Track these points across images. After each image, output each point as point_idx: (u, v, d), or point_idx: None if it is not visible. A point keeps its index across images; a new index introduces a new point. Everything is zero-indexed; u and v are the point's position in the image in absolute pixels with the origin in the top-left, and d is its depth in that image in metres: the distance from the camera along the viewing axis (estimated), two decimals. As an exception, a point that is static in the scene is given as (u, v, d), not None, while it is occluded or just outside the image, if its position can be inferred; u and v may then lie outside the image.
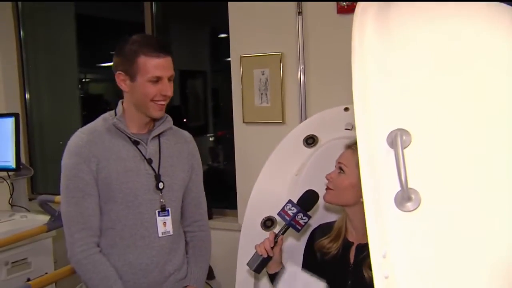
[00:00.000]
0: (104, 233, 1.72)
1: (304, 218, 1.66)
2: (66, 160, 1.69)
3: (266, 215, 1.94)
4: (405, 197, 0.91)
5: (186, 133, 1.90)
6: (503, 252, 0.87)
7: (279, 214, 1.69)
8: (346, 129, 2.02)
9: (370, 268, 1.53)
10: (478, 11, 1.12)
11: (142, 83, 1.66)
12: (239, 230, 2.98)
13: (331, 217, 1.85)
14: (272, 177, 2.02)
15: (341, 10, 2.64)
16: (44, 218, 3.09)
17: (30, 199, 3.59)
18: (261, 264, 1.67)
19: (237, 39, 2.98)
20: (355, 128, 2.10)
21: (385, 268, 0.89)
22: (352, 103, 2.26)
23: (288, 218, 1.66)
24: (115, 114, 1.75)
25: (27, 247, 2.96)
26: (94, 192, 1.68)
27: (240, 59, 2.93)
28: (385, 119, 1.00)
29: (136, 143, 1.74)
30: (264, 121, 2.93)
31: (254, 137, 2.97)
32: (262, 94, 2.91)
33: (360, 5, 1.15)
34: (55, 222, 2.70)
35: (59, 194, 2.76)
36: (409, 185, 0.90)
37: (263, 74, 2.89)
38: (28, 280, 2.82)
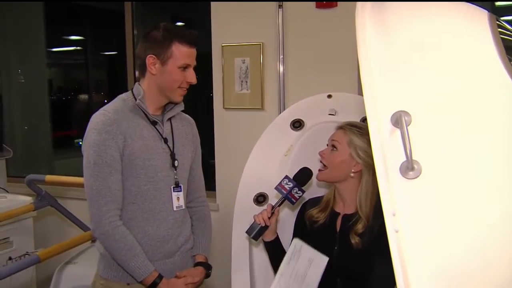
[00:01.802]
0: (125, 207, 1.82)
1: (299, 192, 1.84)
2: (95, 136, 1.76)
3: (258, 191, 2.11)
4: (409, 167, 1.10)
5: (189, 117, 2.05)
6: (497, 213, 1.07)
7: (276, 188, 1.85)
8: (329, 114, 2.20)
9: (356, 235, 1.74)
10: (454, 8, 1.36)
11: (173, 69, 1.79)
12: (217, 210, 3.16)
13: (320, 192, 2.04)
14: (262, 158, 2.18)
15: (319, 6, 2.83)
16: (24, 199, 3.15)
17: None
18: (259, 232, 1.85)
19: (219, 28, 3.12)
20: (338, 113, 2.30)
21: (395, 223, 1.07)
22: (326, 91, 2.45)
23: (285, 192, 1.84)
24: (133, 95, 1.87)
25: (8, 226, 3.02)
26: (120, 168, 1.78)
27: (221, 48, 3.08)
28: (388, 103, 1.18)
29: (154, 123, 1.87)
30: (244, 107, 3.09)
31: (233, 122, 3.13)
32: (242, 81, 3.07)
33: (358, 5, 1.34)
34: (42, 201, 2.77)
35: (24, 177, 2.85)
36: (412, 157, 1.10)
37: (243, 63, 3.06)
38: (10, 259, 2.87)
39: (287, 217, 2.08)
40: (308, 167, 1.91)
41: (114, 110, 1.82)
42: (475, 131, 1.14)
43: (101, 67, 5.53)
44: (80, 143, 5.09)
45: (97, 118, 1.80)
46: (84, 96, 5.41)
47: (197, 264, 1.98)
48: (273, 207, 1.85)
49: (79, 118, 5.28)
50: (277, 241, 1.92)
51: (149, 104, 1.86)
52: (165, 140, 1.89)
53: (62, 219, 3.46)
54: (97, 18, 5.00)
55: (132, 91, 1.89)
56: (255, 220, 1.85)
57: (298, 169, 1.89)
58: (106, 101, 5.30)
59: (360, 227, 1.76)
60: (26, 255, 2.77)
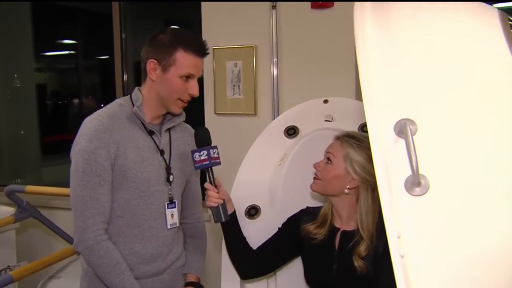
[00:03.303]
0: (112, 221, 1.70)
1: (214, 151, 1.70)
2: (85, 143, 1.64)
3: (250, 203, 1.98)
4: (415, 182, 0.98)
5: (189, 127, 1.91)
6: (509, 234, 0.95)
7: (197, 167, 1.70)
8: (326, 120, 2.08)
9: (360, 257, 1.62)
10: (463, 6, 1.23)
11: (174, 77, 1.66)
12: (209, 221, 3.03)
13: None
14: (254, 167, 2.05)
15: (315, 6, 2.71)
16: (6, 210, 3.02)
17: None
18: (224, 212, 1.73)
19: (210, 30, 3.00)
20: (334, 119, 2.18)
21: (400, 247, 0.95)
22: (322, 95, 2.34)
23: (206, 163, 1.69)
24: (131, 101, 1.74)
25: (-12, 239, 2.89)
26: (109, 179, 1.66)
27: (212, 51, 2.95)
28: (391, 110, 1.06)
29: (151, 133, 1.74)
30: (236, 112, 2.97)
31: (225, 128, 3.00)
32: (234, 86, 2.95)
33: (357, 5, 1.22)
34: (23, 213, 2.64)
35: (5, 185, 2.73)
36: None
37: (235, 66, 2.93)
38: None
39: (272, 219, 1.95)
40: (301, 179, 1.78)
41: (108, 115, 1.69)
42: (489, 141, 1.02)
43: (94, 71, 5.45)
44: (75, 147, 5.00)
45: (90, 123, 1.67)
46: (76, 101, 5.32)
47: (188, 284, 1.85)
48: (211, 183, 1.72)
49: (72, 123, 5.20)
50: (234, 212, 1.82)
51: (147, 112, 1.73)
52: (162, 152, 1.76)
53: (46, 231, 3.32)
54: (89, 21, 4.91)
55: (131, 96, 1.76)
56: (212, 207, 1.72)
57: (195, 135, 1.75)
58: (102, 105, 5.23)
59: (362, 249, 1.63)
60: (8, 269, 2.64)
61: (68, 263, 2.82)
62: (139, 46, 3.69)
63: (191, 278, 1.87)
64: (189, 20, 4.10)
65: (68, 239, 2.96)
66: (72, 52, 5.47)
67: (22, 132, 4.49)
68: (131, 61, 3.65)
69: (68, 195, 2.79)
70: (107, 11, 3.85)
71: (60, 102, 5.28)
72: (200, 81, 3.05)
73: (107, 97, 5.10)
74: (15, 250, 3.09)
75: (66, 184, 2.92)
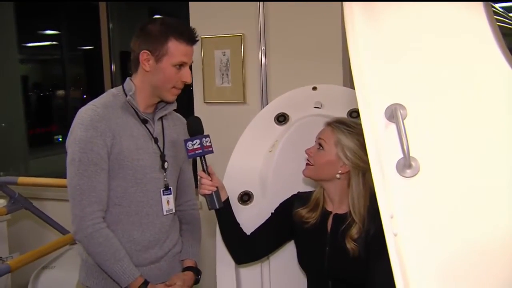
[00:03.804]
0: (110, 209, 1.72)
1: (207, 139, 1.74)
2: (81, 132, 1.65)
3: (242, 190, 2.01)
4: (407, 164, 1.02)
5: (181, 117, 1.94)
6: (500, 211, 1.00)
7: (190, 155, 1.74)
8: (315, 107, 2.11)
9: (352, 239, 1.66)
10: None
11: (167, 66, 1.68)
12: (201, 208, 3.06)
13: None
14: (246, 154, 2.08)
15: (301, -6, 2.74)
16: (-4, 201, 3.02)
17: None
18: (217, 199, 1.77)
19: (198, 19, 3.00)
20: (323, 106, 2.22)
21: (393, 226, 0.99)
22: (310, 83, 2.38)
23: (200, 151, 1.73)
24: (123, 91, 1.76)
25: (-20, 231, 2.89)
26: (106, 167, 1.68)
27: (200, 40, 2.95)
28: (381, 95, 1.10)
29: (144, 121, 1.76)
30: (225, 101, 2.99)
31: (215, 117, 3.02)
32: (223, 74, 2.97)
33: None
34: (15, 204, 2.65)
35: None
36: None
37: (224, 55, 2.95)
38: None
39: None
40: (292, 164, 1.82)
41: (103, 105, 1.71)
42: (475, 124, 1.07)
43: (78, 62, 5.40)
44: (60, 139, 4.93)
45: (85, 113, 1.69)
46: (61, 92, 5.27)
47: (186, 269, 1.88)
48: (204, 171, 1.76)
49: (57, 114, 5.16)
50: (227, 199, 1.85)
51: (140, 101, 1.75)
52: (155, 140, 1.79)
53: (38, 222, 3.33)
54: (72, 11, 4.86)
55: (123, 86, 1.78)
56: (205, 194, 1.76)
57: (188, 125, 1.79)
58: (85, 96, 5.20)
59: (355, 231, 1.68)
60: (0, 261, 2.65)
61: (61, 254, 2.84)
62: (124, 36, 3.70)
63: (189, 263, 1.90)
64: (174, 10, 4.10)
65: (60, 230, 2.98)
66: (54, 42, 5.42)
67: (3, 124, 4.46)
68: (117, 51, 3.65)
69: (60, 186, 2.83)
70: (90, 1, 3.82)
71: (42, 94, 5.23)
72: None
73: (92, 88, 5.09)
74: (7, 242, 3.09)
75: (53, 176, 2.95)
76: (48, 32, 5.28)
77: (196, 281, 1.89)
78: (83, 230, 1.66)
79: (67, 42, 5.14)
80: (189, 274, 1.86)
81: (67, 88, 5.19)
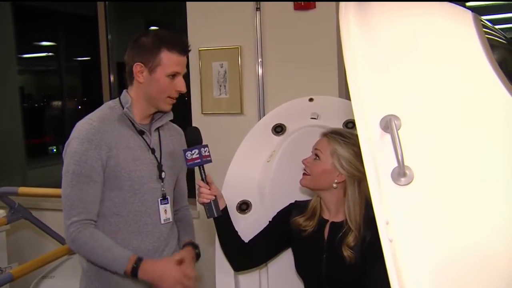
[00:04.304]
0: (109, 220, 1.76)
1: (205, 149, 1.79)
2: (76, 145, 1.70)
3: (241, 199, 2.05)
4: (401, 173, 1.06)
5: (177, 127, 1.99)
6: (493, 217, 1.04)
7: (189, 165, 1.79)
8: (312, 118, 2.16)
9: (349, 247, 1.70)
10: (438, 8, 1.33)
11: (161, 77, 1.73)
12: (198, 218, 3.09)
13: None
14: (244, 164, 2.13)
15: (297, 7, 2.79)
16: (-5, 212, 3.04)
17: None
18: (216, 207, 1.81)
19: (195, 32, 3.05)
20: (320, 117, 2.27)
21: (389, 232, 1.03)
22: (307, 94, 2.43)
23: (198, 161, 1.78)
24: (120, 103, 1.80)
25: (-21, 241, 2.90)
26: (99, 179, 1.72)
27: (198, 52, 3.01)
28: (376, 107, 1.15)
29: (141, 133, 1.81)
30: (223, 112, 3.04)
31: (212, 127, 3.05)
32: (220, 86, 3.02)
33: (342, 4, 1.31)
34: (15, 214, 2.67)
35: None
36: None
37: (221, 67, 3.00)
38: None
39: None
40: (289, 174, 1.87)
41: (99, 118, 1.75)
42: (467, 133, 1.12)
43: (74, 73, 5.43)
44: (54, 150, 4.93)
45: (82, 127, 1.74)
46: (57, 103, 5.28)
47: (186, 244, 1.92)
48: (203, 180, 1.81)
49: (52, 125, 5.17)
50: (225, 208, 1.89)
51: (136, 112, 1.80)
52: (153, 151, 1.83)
53: (37, 232, 3.35)
54: (68, 23, 4.91)
55: (120, 99, 1.82)
56: (204, 203, 1.81)
57: (186, 135, 1.84)
58: (79, 107, 5.22)
59: (351, 239, 1.72)
60: (-1, 271, 2.67)
61: (59, 263, 2.86)
62: (121, 47, 3.74)
63: (186, 241, 1.93)
64: (171, 22, 4.16)
65: (59, 239, 3.00)
66: (49, 54, 5.45)
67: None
68: (114, 62, 3.69)
69: (59, 196, 2.85)
70: (86, 12, 3.85)
71: (36, 105, 5.25)
72: (187, 82, 3.10)
73: (89, 98, 5.12)
74: (6, 252, 3.11)
75: (49, 187, 2.95)
76: (44, 43, 5.31)
77: (197, 255, 1.91)
78: (69, 236, 1.71)
79: (64, 53, 5.18)
80: (189, 249, 1.89)
81: (64, 99, 5.22)
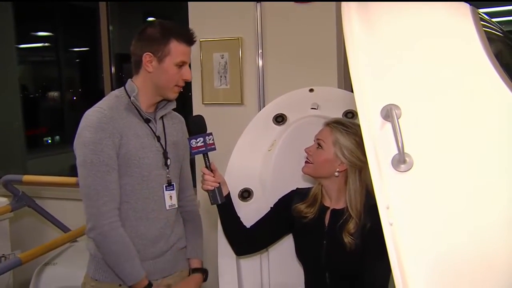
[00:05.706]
0: (119, 207, 1.79)
1: (210, 138, 1.84)
2: (90, 135, 1.73)
3: (243, 187, 2.10)
4: (401, 160, 1.11)
5: (179, 115, 2.04)
6: (490, 203, 1.09)
7: (193, 153, 1.83)
8: (312, 108, 2.21)
9: (349, 233, 1.75)
10: (438, 4, 1.38)
11: (170, 66, 1.78)
12: (199, 206, 3.13)
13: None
14: (245, 153, 2.17)
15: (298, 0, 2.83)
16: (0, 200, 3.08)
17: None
18: (220, 194, 1.87)
19: (196, 23, 3.08)
20: (320, 107, 2.32)
21: (389, 216, 1.08)
22: (306, 85, 2.47)
23: (203, 149, 1.83)
24: (126, 92, 1.84)
25: (-17, 228, 2.94)
26: (116, 166, 1.76)
27: (199, 43, 3.05)
28: (378, 97, 1.20)
29: (147, 121, 1.85)
30: (224, 102, 3.08)
31: (213, 117, 3.07)
32: (221, 76, 3.06)
33: (343, 4, 1.35)
34: (19, 202, 2.71)
35: None
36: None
37: (222, 58, 3.04)
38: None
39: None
40: (290, 162, 1.91)
41: (109, 107, 1.79)
42: (465, 122, 1.16)
43: (71, 64, 5.42)
44: (49, 141, 4.93)
45: (92, 116, 1.76)
46: (54, 94, 5.27)
47: (194, 270, 2.00)
48: (207, 168, 1.86)
49: (49, 116, 5.17)
50: (229, 194, 1.94)
51: (142, 101, 1.84)
52: (158, 138, 1.87)
53: (39, 220, 3.39)
54: (67, 14, 4.91)
55: (125, 88, 1.86)
56: (208, 190, 1.86)
57: (191, 123, 1.89)
58: (75, 98, 5.22)
59: (351, 226, 1.76)
60: (2, 258, 2.71)
61: (62, 250, 2.91)
62: (120, 38, 3.76)
63: (196, 264, 2.01)
64: (168, 13, 4.18)
65: (62, 227, 3.04)
66: (46, 44, 5.44)
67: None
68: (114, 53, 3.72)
69: (64, 184, 2.89)
70: (86, 5, 3.86)
71: (32, 96, 5.25)
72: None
73: (86, 90, 5.12)
74: (9, 239, 3.15)
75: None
76: (41, 33, 5.31)
77: (204, 280, 2.00)
78: (100, 228, 1.73)
79: (62, 44, 5.18)
80: (198, 276, 1.98)
81: (62, 90, 5.21)
